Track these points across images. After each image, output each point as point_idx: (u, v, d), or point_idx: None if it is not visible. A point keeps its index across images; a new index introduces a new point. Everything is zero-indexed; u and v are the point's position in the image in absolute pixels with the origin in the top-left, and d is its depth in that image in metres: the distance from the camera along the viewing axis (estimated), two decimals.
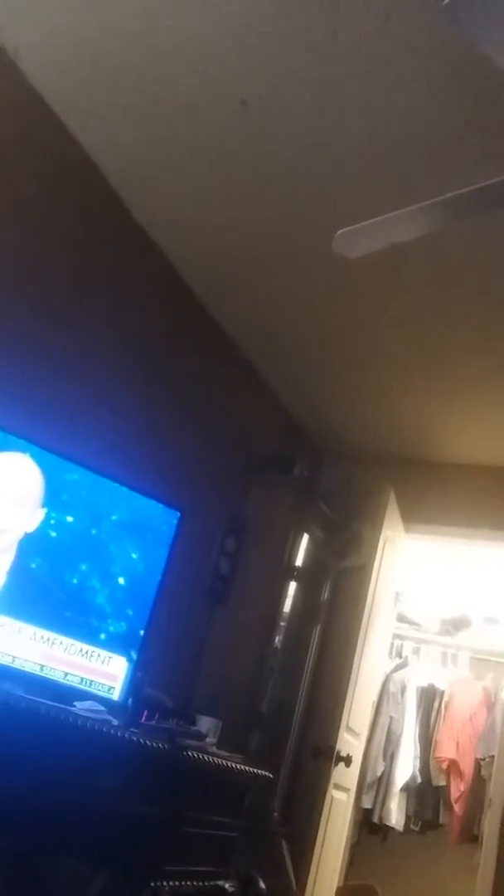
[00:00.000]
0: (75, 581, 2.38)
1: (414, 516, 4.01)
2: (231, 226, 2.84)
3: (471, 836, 4.06)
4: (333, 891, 3.62)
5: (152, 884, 2.36)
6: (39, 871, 2.34)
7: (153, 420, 3.05)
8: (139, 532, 2.54)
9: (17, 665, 2.23)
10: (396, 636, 4.60)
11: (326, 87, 2.17)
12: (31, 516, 2.30)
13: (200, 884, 2.54)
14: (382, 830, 4.20)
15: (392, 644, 4.54)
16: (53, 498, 2.32)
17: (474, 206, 1.86)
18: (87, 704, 2.36)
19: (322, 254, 2.67)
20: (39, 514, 2.31)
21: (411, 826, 4.21)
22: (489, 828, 3.59)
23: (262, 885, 2.88)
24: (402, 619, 4.62)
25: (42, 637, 2.28)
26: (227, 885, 2.64)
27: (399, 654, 4.59)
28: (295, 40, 2.05)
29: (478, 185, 1.75)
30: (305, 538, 3.70)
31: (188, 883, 2.48)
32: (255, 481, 3.58)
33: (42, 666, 2.28)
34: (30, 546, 2.28)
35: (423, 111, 2.16)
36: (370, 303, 3.08)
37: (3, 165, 2.38)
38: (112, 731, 2.20)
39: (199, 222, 2.87)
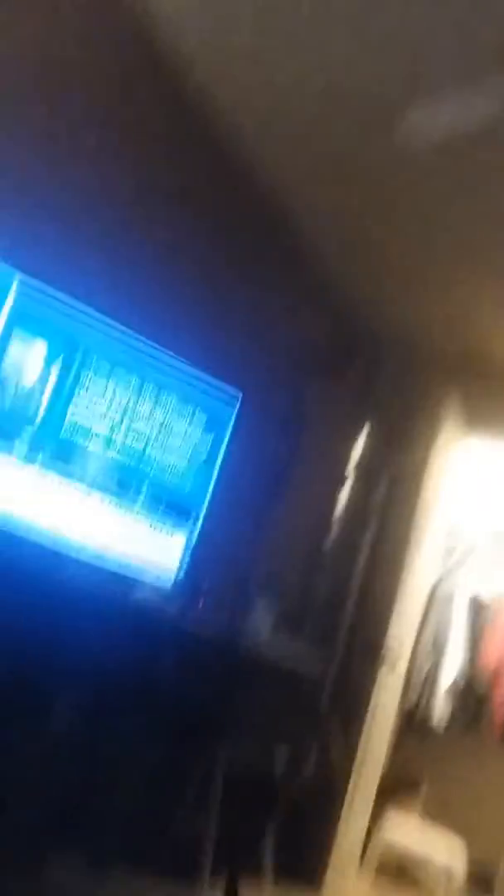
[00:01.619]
0: (140, 462, 2.38)
1: (473, 421, 3.91)
2: (296, 87, 2.67)
3: None
4: (377, 779, 3.74)
5: (207, 758, 2.46)
6: (101, 738, 2.44)
7: (216, 304, 2.96)
8: (201, 413, 2.52)
9: (81, 544, 2.26)
10: (448, 543, 4.57)
11: None
12: None
13: (251, 761, 2.64)
14: (425, 729, 4.28)
15: (444, 550, 4.52)
16: (110, 365, 2.29)
17: None
18: (145, 587, 2.41)
19: (392, 123, 2.53)
20: None
21: (454, 726, 4.28)
22: None
23: (312, 763, 2.98)
24: (455, 525, 4.58)
25: (105, 516, 2.31)
26: (276, 759, 2.74)
27: (450, 560, 4.58)
28: None
29: None
30: (362, 437, 3.65)
31: (241, 756, 2.58)
32: (314, 376, 3.51)
33: (105, 545, 2.32)
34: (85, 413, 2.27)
35: None
36: (445, 191, 2.91)
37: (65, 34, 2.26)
38: (169, 615, 2.24)
39: (266, 87, 2.70)
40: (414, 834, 3.80)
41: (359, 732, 3.43)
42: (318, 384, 3.46)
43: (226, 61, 2.62)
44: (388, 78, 2.43)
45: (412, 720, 4.27)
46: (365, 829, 3.64)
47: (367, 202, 3.15)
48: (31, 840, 2.08)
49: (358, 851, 3.60)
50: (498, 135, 2.46)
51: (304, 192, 3.22)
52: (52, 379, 2.19)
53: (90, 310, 2.24)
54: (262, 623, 2.83)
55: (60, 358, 2.19)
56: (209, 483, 2.57)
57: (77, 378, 2.23)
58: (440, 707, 4.24)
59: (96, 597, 2.17)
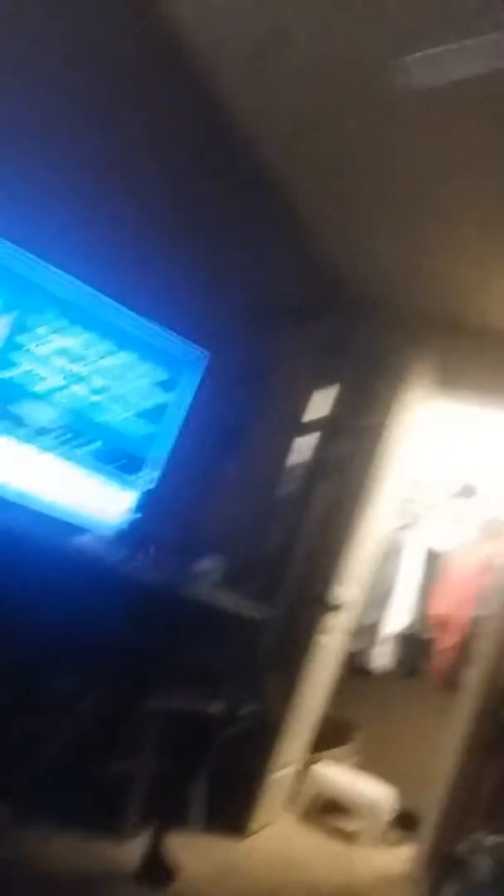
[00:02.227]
0: (93, 415, 2.35)
1: (438, 380, 3.88)
2: (278, 37, 2.53)
3: (453, 684, 4.27)
4: (314, 721, 3.88)
5: (144, 703, 2.51)
6: (40, 685, 2.49)
7: (176, 255, 2.88)
8: (159, 371, 2.48)
9: (28, 495, 2.25)
10: (405, 498, 4.62)
11: None
12: None
13: (190, 706, 2.71)
14: (367, 674, 4.42)
15: (400, 505, 4.57)
16: (68, 321, 2.24)
17: None
18: (92, 535, 2.42)
19: (378, 82, 2.42)
20: None
21: (396, 672, 4.43)
22: (472, 678, 3.75)
23: (248, 710, 3.07)
24: (413, 481, 4.62)
25: (57, 468, 2.29)
26: (215, 708, 2.81)
27: (407, 515, 4.64)
28: None
29: None
30: (324, 392, 3.62)
31: (179, 704, 2.65)
32: (277, 329, 3.45)
33: (54, 497, 2.31)
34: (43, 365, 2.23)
35: None
36: (427, 144, 2.80)
37: None
38: (115, 563, 2.26)
39: (242, 28, 2.55)
40: (344, 779, 3.97)
41: (299, 677, 3.53)
42: (284, 339, 3.39)
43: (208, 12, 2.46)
44: (369, 34, 2.30)
45: (355, 665, 4.41)
46: (296, 774, 3.79)
47: (343, 155, 3.02)
48: None
49: (287, 796, 3.76)
50: (481, 92, 2.36)
51: (278, 143, 3.08)
52: (4, 331, 2.13)
53: (49, 264, 2.16)
54: (209, 571, 2.86)
55: (15, 312, 2.12)
56: (165, 437, 2.55)
57: (32, 331, 2.16)
58: (384, 653, 4.38)
59: (43, 543, 2.17)
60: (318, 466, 3.70)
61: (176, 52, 2.65)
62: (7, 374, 2.16)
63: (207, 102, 2.88)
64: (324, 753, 4.06)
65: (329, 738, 4.06)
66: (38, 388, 2.22)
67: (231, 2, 2.43)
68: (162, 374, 2.49)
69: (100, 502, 2.47)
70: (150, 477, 2.57)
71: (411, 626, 4.41)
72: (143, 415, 2.48)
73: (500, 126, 2.55)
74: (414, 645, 4.45)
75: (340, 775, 3.99)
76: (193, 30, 2.61)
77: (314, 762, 3.96)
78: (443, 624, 4.38)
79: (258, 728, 3.19)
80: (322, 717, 4.05)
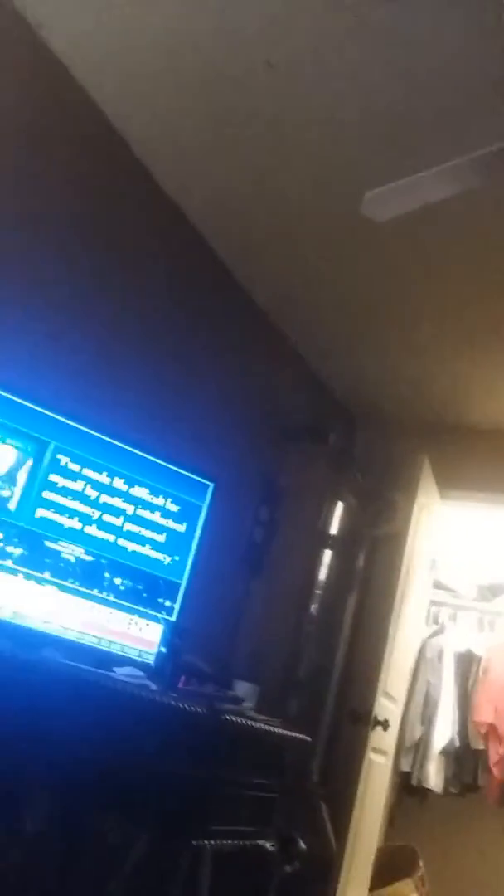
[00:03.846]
0: (113, 551, 2.41)
1: (449, 483, 3.99)
2: (257, 191, 2.82)
3: None
4: (373, 851, 3.68)
5: (194, 843, 2.41)
6: (84, 833, 2.41)
7: (183, 391, 3.06)
8: (173, 503, 2.57)
9: (57, 632, 2.28)
10: (433, 603, 4.59)
11: (355, 48, 2.12)
12: None
13: (242, 843, 2.59)
14: (421, 793, 4.23)
15: (429, 611, 4.54)
16: (80, 464, 2.34)
17: None
18: (126, 670, 2.41)
19: (350, 214, 2.64)
20: None
21: (450, 789, 4.24)
22: None
23: (303, 844, 2.93)
24: (438, 585, 4.61)
25: (81, 605, 2.33)
26: (267, 845, 2.69)
27: (436, 621, 4.59)
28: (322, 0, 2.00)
29: None
30: (340, 507, 3.70)
31: (230, 842, 2.54)
32: (288, 450, 3.59)
33: (82, 633, 2.33)
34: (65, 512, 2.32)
35: (455, 67, 2.10)
36: (401, 264, 3.04)
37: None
38: (151, 696, 2.23)
39: (225, 187, 2.85)
40: None
41: (352, 804, 3.38)
42: (292, 459, 3.52)
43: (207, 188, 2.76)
44: (356, 158, 2.55)
45: (407, 786, 4.23)
46: None
47: (334, 288, 3.27)
48: None
49: None
50: (454, 215, 2.59)
51: (274, 284, 3.34)
52: (22, 480, 2.23)
53: (59, 414, 2.30)
54: (246, 697, 2.82)
55: (30, 460, 2.24)
56: (184, 568, 2.60)
57: (46, 477, 2.27)
58: (435, 770, 4.20)
59: (75, 683, 2.16)
60: (343, 579, 3.72)
61: (174, 217, 2.95)
62: (26, 522, 2.26)
63: (204, 259, 3.16)
64: (387, 889, 3.81)
65: (391, 869, 3.83)
66: (56, 532, 2.30)
67: (217, 166, 2.72)
68: (175, 509, 2.58)
69: (129, 638, 2.48)
70: (173, 608, 2.60)
71: (458, 737, 4.25)
72: (162, 549, 2.55)
73: (465, 245, 2.79)
74: (465, 758, 4.28)
75: None
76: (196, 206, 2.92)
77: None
78: (490, 732, 4.23)
79: (316, 863, 3.03)
80: (381, 846, 3.84)
